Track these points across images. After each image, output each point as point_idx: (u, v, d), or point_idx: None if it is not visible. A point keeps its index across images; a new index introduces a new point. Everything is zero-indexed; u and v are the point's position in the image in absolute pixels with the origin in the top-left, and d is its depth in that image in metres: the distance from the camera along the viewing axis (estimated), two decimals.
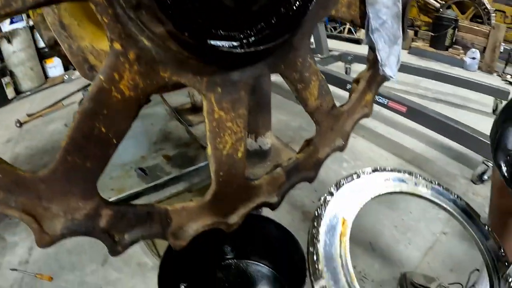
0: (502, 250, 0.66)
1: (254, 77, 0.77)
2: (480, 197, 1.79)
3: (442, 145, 2.30)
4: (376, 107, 2.57)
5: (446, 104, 3.05)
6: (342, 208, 0.63)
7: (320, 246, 0.56)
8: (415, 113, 2.17)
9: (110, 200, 1.26)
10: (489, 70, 4.01)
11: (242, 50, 0.64)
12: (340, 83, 2.50)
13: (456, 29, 4.52)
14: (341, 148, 1.02)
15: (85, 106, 0.58)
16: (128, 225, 0.74)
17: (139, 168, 1.91)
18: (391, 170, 0.74)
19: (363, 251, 1.56)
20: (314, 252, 0.55)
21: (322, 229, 0.59)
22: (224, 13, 0.62)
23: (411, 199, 1.83)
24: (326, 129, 0.96)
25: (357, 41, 4.98)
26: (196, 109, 2.50)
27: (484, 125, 1.81)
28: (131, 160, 2.00)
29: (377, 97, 2.35)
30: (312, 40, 3.40)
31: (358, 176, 0.70)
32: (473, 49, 4.08)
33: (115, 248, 0.73)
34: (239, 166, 0.80)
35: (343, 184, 0.68)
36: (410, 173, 0.74)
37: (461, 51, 4.32)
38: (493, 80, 3.51)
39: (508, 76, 3.75)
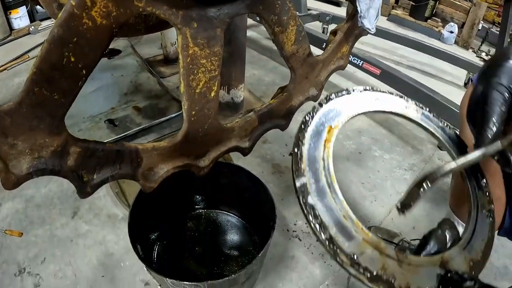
0: (485, 180, 0.69)
1: (231, 15, 0.75)
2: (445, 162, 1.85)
3: None
4: (351, 69, 2.59)
5: (420, 73, 3.10)
6: (329, 118, 0.64)
7: (305, 148, 0.57)
8: (389, 76, 2.19)
9: None
10: (465, 46, 4.05)
11: None
12: (317, 41, 2.47)
13: (437, 2, 4.52)
14: (315, 98, 1.03)
15: (54, 33, 0.54)
16: (97, 164, 0.72)
17: (108, 119, 1.85)
18: (383, 91, 0.74)
19: None
20: (298, 153, 0.56)
21: (308, 134, 0.59)
22: None
23: (379, 158, 1.91)
24: (300, 76, 0.95)
25: (337, 3, 4.91)
26: (168, 60, 2.44)
27: (454, 96, 1.87)
28: (100, 112, 1.94)
29: (352, 58, 2.36)
30: None
31: (349, 93, 0.70)
32: (452, 23, 4.11)
33: (84, 189, 0.72)
34: (212, 106, 0.78)
35: (333, 97, 0.68)
36: (401, 96, 0.75)
37: (440, 24, 4.33)
38: (468, 56, 3.57)
39: (483, 54, 3.82)
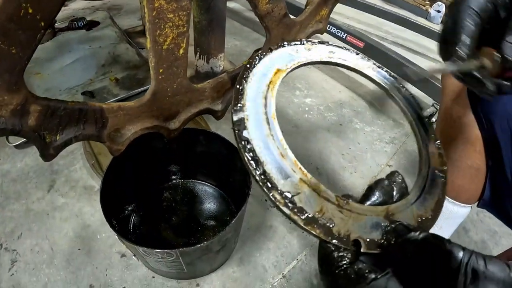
0: (439, 142, 0.68)
1: None
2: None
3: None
4: (334, 41, 2.55)
5: (405, 49, 3.07)
6: (278, 61, 0.61)
7: (248, 86, 0.55)
8: (372, 50, 2.17)
9: None
10: None
11: None
12: (298, 11, 2.43)
13: None
14: None
15: None
16: (59, 124, 0.69)
17: (85, 91, 1.80)
18: (339, 47, 0.72)
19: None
20: (240, 89, 0.54)
21: (253, 73, 0.58)
22: None
23: (360, 131, 1.90)
24: (276, 37, 0.92)
25: None
26: None
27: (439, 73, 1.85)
28: (78, 84, 1.88)
29: (336, 31, 2.32)
30: None
31: (302, 43, 0.68)
32: (440, 2, 4.07)
33: (47, 151, 0.69)
34: (181, 64, 0.75)
35: (285, 45, 0.65)
36: (357, 53, 0.73)
37: (427, 2, 4.30)
38: None
39: None
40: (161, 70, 0.73)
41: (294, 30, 0.97)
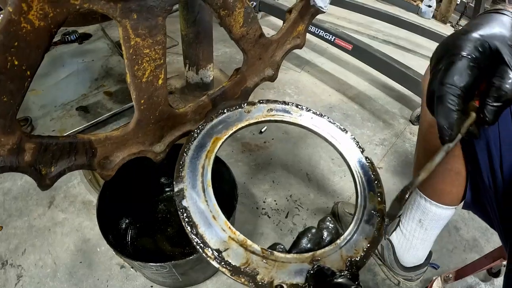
0: (377, 182, 0.71)
1: (172, 2, 0.75)
2: (416, 136, 1.88)
3: (384, 85, 2.38)
4: (323, 44, 2.59)
5: (395, 47, 3.10)
6: (217, 130, 0.69)
7: (188, 158, 0.64)
8: (360, 51, 2.20)
9: None
10: (443, 20, 4.03)
11: None
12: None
13: None
14: (271, 78, 1.04)
15: None
16: (53, 157, 0.75)
17: (80, 106, 1.85)
18: (280, 102, 0.78)
19: (300, 181, 1.64)
20: (181, 162, 0.63)
21: (193, 145, 0.67)
22: None
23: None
24: (253, 58, 0.96)
25: None
26: None
27: None
28: (72, 99, 1.93)
29: (324, 34, 2.35)
30: None
31: (242, 107, 0.74)
32: None
33: (44, 182, 0.75)
34: (161, 93, 0.80)
35: (225, 112, 0.72)
36: (297, 106, 0.79)
37: None
38: (446, 30, 3.57)
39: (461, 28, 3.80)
40: (142, 101, 0.78)
41: (271, 48, 1.01)
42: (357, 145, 0.78)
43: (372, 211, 0.65)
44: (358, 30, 3.27)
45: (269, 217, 1.48)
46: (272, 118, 0.75)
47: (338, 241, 0.58)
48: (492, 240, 1.49)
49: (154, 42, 0.74)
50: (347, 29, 3.17)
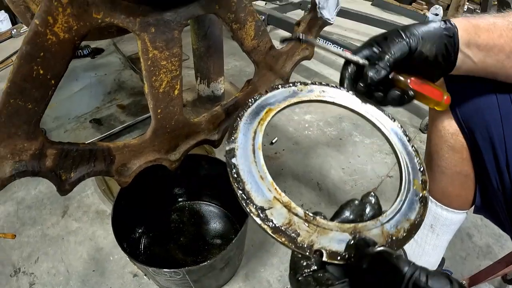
0: (423, 168, 0.73)
1: (187, 17, 0.79)
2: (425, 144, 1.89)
3: None
4: (332, 56, 2.63)
5: None
6: (270, 102, 0.71)
7: (241, 123, 0.66)
8: None
9: None
10: None
11: None
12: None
13: None
14: None
15: (23, 50, 0.61)
16: (73, 163, 0.78)
17: (93, 118, 1.89)
18: (331, 86, 0.79)
19: (311, 190, 1.65)
20: (234, 125, 0.64)
21: (247, 113, 0.68)
22: None
23: (360, 144, 1.96)
24: (264, 69, 1.00)
25: None
26: None
27: None
28: (85, 112, 1.98)
29: (332, 46, 2.37)
30: None
31: (295, 85, 0.76)
32: (437, 6, 4.04)
33: (63, 187, 0.78)
34: (177, 103, 0.83)
35: (279, 87, 0.74)
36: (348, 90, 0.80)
37: (425, 7, 4.32)
38: None
39: (468, 16, 3.78)
40: (159, 111, 0.81)
41: (281, 60, 1.04)
42: (404, 133, 0.79)
43: (416, 196, 0.66)
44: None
45: None
46: (324, 99, 0.77)
47: (381, 217, 0.58)
48: (506, 247, 1.48)
49: (170, 54, 0.77)
50: (355, 40, 3.20)
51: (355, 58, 0.71)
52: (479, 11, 3.92)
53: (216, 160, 1.22)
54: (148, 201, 1.32)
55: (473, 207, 0.99)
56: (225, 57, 1.76)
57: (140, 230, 1.37)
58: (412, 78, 0.70)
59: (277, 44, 0.98)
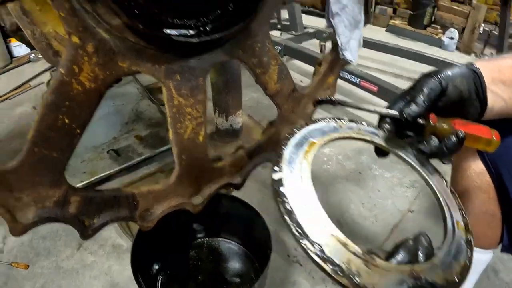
0: (463, 213, 0.72)
1: (212, 63, 0.79)
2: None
3: None
4: (349, 86, 2.62)
5: None
6: (313, 135, 0.71)
7: (286, 152, 0.64)
8: (386, 93, 2.20)
9: (83, 183, 1.28)
10: (467, 51, 3.96)
11: (198, 39, 0.66)
12: (313, 61, 2.51)
13: (436, 8, 4.51)
14: None
15: (48, 99, 0.61)
16: (96, 209, 0.77)
17: (111, 149, 1.90)
18: (368, 124, 0.79)
19: None
20: (281, 153, 0.63)
21: (291, 142, 0.67)
22: (179, 1, 0.63)
23: (380, 177, 1.92)
24: (286, 111, 0.99)
25: None
26: None
27: None
28: (103, 142, 1.98)
29: (349, 76, 2.38)
30: (287, 16, 3.37)
31: (335, 121, 0.76)
32: (452, 29, 4.04)
33: (86, 233, 0.78)
34: (201, 149, 0.83)
35: (319, 120, 0.74)
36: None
37: (440, 31, 4.31)
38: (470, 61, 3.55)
39: (486, 58, 3.74)
40: (183, 157, 0.81)
41: (303, 101, 1.04)
42: (441, 176, 0.78)
43: (461, 239, 0.64)
44: (383, 69, 3.29)
45: (301, 265, 1.45)
46: (362, 137, 0.76)
47: (435, 259, 0.56)
48: None
49: (195, 101, 0.77)
50: (371, 69, 3.19)
51: (391, 112, 0.70)
52: (495, 32, 3.89)
53: (235, 198, 1.21)
54: (167, 238, 1.30)
55: (500, 246, 0.97)
56: (242, 88, 1.77)
57: (157, 267, 1.35)
58: (456, 120, 0.68)
59: (293, 75, 0.98)
